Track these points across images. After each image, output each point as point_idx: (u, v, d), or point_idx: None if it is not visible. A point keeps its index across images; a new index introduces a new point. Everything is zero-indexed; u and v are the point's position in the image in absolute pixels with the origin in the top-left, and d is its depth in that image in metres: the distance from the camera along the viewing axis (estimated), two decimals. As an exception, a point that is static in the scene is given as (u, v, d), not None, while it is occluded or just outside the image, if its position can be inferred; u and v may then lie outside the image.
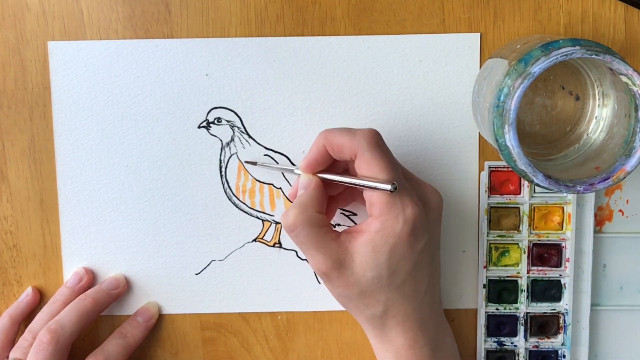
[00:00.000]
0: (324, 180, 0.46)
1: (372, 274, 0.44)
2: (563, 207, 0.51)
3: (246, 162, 0.51)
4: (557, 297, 0.52)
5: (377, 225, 0.44)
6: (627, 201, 0.51)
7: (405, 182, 0.45)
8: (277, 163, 0.51)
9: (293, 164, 0.51)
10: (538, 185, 0.42)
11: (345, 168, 0.48)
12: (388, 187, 0.42)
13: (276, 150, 0.51)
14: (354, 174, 0.46)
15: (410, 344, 0.46)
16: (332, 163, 0.47)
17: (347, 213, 0.52)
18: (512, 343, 0.52)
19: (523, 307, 0.52)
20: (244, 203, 0.52)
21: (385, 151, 0.45)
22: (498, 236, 0.51)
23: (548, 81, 0.48)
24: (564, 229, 0.51)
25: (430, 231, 0.46)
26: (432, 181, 0.51)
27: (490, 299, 0.52)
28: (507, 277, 0.52)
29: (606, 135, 0.45)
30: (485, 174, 0.51)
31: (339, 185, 0.48)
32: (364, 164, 0.44)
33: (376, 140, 0.44)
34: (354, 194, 0.49)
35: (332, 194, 0.49)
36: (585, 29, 0.50)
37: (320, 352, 0.53)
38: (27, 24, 0.50)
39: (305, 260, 0.52)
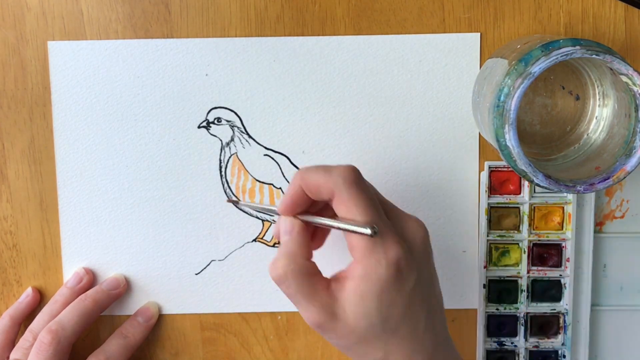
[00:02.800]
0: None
1: (365, 324, 0.41)
2: (563, 207, 0.51)
3: (227, 201, 0.51)
4: (557, 297, 0.52)
5: (360, 271, 0.41)
6: (627, 201, 0.51)
7: (387, 218, 0.43)
8: (277, 163, 0.51)
9: (275, 201, 0.50)
10: (538, 185, 0.42)
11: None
12: (368, 231, 0.40)
13: (276, 150, 0.51)
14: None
15: None
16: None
17: None
18: (512, 343, 0.52)
19: (523, 307, 0.52)
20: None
21: (364, 189, 0.42)
22: (498, 236, 0.51)
23: (548, 81, 0.48)
24: (564, 229, 0.51)
25: (419, 268, 0.43)
26: (432, 181, 0.51)
27: (490, 299, 0.52)
28: (507, 277, 0.52)
29: (606, 135, 0.45)
30: (485, 174, 0.51)
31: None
32: (342, 205, 0.42)
33: (353, 178, 0.42)
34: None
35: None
36: (585, 28, 0.50)
37: (320, 352, 0.53)
38: (27, 24, 0.50)
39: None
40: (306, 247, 0.43)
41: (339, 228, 0.42)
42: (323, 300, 0.42)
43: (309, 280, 0.42)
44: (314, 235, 0.47)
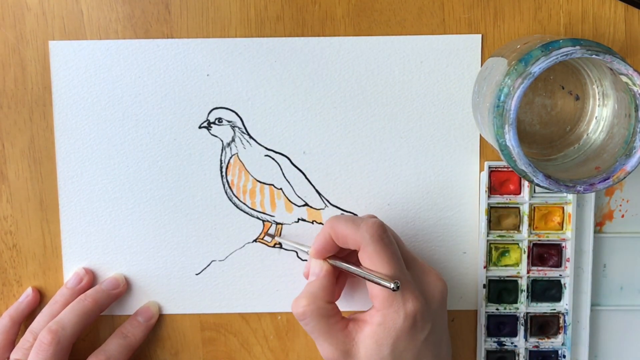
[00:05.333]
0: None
1: None
2: (563, 207, 0.51)
3: (267, 234, 0.52)
4: (557, 297, 0.52)
5: (379, 319, 0.44)
6: (627, 201, 0.52)
7: (408, 271, 0.46)
8: (278, 164, 0.51)
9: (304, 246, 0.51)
10: (538, 185, 0.42)
11: None
12: (391, 285, 0.43)
13: (277, 150, 0.51)
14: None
15: None
16: None
17: None
18: (512, 343, 0.52)
19: (523, 307, 0.52)
20: (244, 203, 0.52)
21: (389, 244, 0.45)
22: (498, 236, 0.51)
23: (548, 81, 0.48)
24: (564, 229, 0.51)
25: (434, 320, 0.46)
26: (432, 181, 0.51)
27: (490, 299, 0.52)
28: (507, 277, 0.52)
29: (606, 135, 0.45)
30: (485, 174, 0.51)
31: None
32: (367, 258, 0.45)
33: (379, 234, 0.45)
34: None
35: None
36: (585, 28, 0.50)
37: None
38: (27, 24, 0.50)
39: (306, 260, 0.52)
40: (329, 290, 0.46)
41: (365, 278, 0.45)
42: (339, 339, 0.45)
43: (327, 320, 0.45)
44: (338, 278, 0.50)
